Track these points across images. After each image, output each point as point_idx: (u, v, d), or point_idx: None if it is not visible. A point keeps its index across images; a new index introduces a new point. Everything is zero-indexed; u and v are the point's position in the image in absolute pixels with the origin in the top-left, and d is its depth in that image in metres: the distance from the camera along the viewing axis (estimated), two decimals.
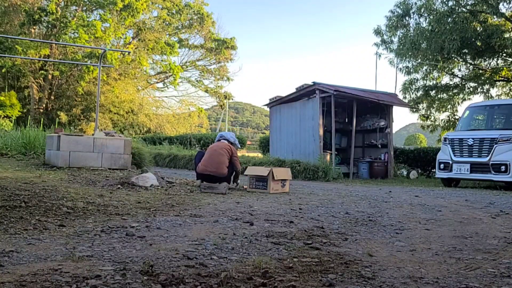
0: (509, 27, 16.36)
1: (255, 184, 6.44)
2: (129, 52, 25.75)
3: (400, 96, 17.05)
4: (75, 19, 25.38)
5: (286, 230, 3.35)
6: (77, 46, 24.01)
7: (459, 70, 18.90)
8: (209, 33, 31.79)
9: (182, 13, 30.90)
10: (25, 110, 25.26)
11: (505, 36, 15.70)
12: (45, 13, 24.03)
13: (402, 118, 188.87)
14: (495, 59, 17.72)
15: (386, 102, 12.80)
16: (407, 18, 17.38)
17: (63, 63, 24.24)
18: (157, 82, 33.98)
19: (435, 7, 16.31)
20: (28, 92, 26.49)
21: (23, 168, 6.95)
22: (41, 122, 17.65)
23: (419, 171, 13.98)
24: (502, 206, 5.51)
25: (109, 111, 27.45)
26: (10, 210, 3.55)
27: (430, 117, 19.19)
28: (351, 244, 2.97)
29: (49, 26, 24.92)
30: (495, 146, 8.92)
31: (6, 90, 24.66)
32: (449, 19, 15.53)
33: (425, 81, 18.78)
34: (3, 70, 23.87)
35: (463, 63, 18.34)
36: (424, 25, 16.75)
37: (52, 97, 27.16)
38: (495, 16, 16.23)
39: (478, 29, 15.96)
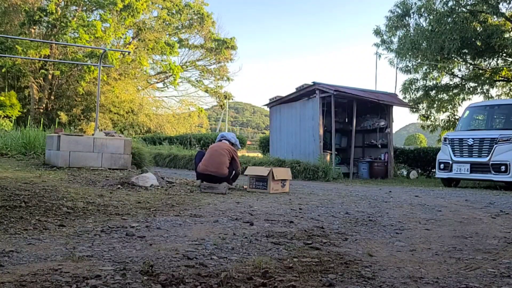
0: (509, 27, 16.36)
1: (255, 184, 6.44)
2: (129, 52, 25.76)
3: (400, 96, 17.05)
4: (75, 19, 25.39)
5: (286, 230, 3.35)
6: (77, 46, 24.02)
7: (459, 70, 18.92)
8: (209, 33, 31.79)
9: (182, 13, 30.91)
10: (25, 110, 25.26)
11: (505, 36, 15.70)
12: (45, 13, 24.03)
13: (402, 118, 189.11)
14: (495, 59, 17.72)
15: (386, 102, 12.81)
16: (407, 18, 17.38)
17: (63, 63, 24.25)
18: (157, 82, 34.01)
19: (435, 7, 16.31)
20: (28, 92, 26.49)
21: (23, 168, 6.95)
22: (41, 122, 17.65)
23: (419, 171, 13.98)
24: (502, 206, 5.51)
25: (109, 111, 27.46)
26: (10, 210, 3.55)
27: (430, 117, 19.19)
28: (351, 244, 2.97)
29: (49, 26, 24.92)
30: (495, 146, 8.92)
31: (6, 90, 24.67)
32: (449, 19, 15.52)
33: (425, 81, 18.79)
34: (3, 70, 23.88)
35: (463, 63, 18.34)
36: (424, 25, 16.75)
37: (52, 97, 27.17)
38: (495, 16, 16.23)
39: (478, 29, 15.96)
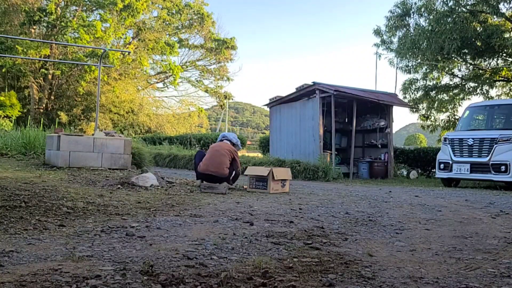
0: (509, 27, 16.35)
1: (255, 184, 6.44)
2: (129, 52, 25.76)
3: (400, 96, 17.05)
4: (75, 19, 25.39)
5: (286, 230, 3.35)
6: (77, 46, 24.03)
7: (459, 70, 18.91)
8: (209, 33, 31.79)
9: (182, 13, 30.91)
10: (25, 110, 25.26)
11: (505, 36, 15.69)
12: (44, 14, 24.03)
13: (402, 118, 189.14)
14: (495, 59, 17.71)
15: (386, 102, 12.81)
16: (407, 18, 17.38)
17: (63, 63, 24.26)
18: (157, 82, 34.01)
19: (435, 7, 16.30)
20: (28, 92, 26.49)
21: (23, 168, 6.95)
22: (41, 122, 17.65)
23: (419, 171, 13.98)
24: (502, 206, 5.51)
25: (109, 111, 27.47)
26: (10, 210, 3.55)
27: (430, 117, 19.18)
28: (351, 244, 2.97)
29: (49, 26, 24.92)
30: (495, 146, 8.92)
31: (6, 90, 24.67)
32: (449, 19, 15.52)
33: (425, 81, 18.78)
34: (3, 70, 23.88)
35: (463, 63, 18.33)
36: (424, 25, 16.75)
37: (52, 97, 27.17)
38: (495, 16, 16.22)
39: (478, 29, 15.95)
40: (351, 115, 12.66)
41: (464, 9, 16.07)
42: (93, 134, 8.11)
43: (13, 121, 20.42)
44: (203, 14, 31.25)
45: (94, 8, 27.14)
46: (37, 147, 8.82)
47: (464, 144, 9.43)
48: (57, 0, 25.05)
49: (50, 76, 26.20)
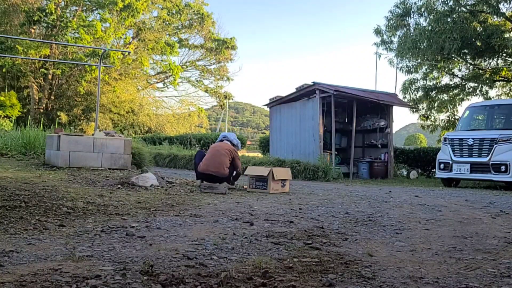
0: (509, 27, 16.35)
1: (255, 184, 6.44)
2: (129, 52, 25.77)
3: (400, 96, 17.05)
4: (75, 19, 25.39)
5: (286, 230, 3.35)
6: (77, 46, 24.03)
7: (459, 70, 18.91)
8: (209, 33, 31.79)
9: (182, 13, 30.91)
10: (25, 110, 25.27)
11: (505, 36, 15.69)
12: (44, 14, 24.03)
13: (402, 118, 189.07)
14: (495, 59, 17.71)
15: (386, 102, 12.80)
16: (407, 18, 17.37)
17: (63, 63, 24.26)
18: (157, 82, 34.02)
19: (435, 7, 16.30)
20: (28, 92, 26.50)
21: (23, 168, 6.95)
22: (41, 122, 17.65)
23: (419, 171, 13.97)
24: (502, 206, 5.51)
25: (110, 111, 27.48)
26: (10, 210, 3.55)
27: (430, 117, 19.18)
28: (351, 244, 2.97)
29: (49, 26, 24.92)
30: (495, 146, 8.92)
31: (6, 90, 24.67)
32: (449, 19, 15.52)
33: (425, 81, 18.78)
34: (3, 70, 23.88)
35: (463, 63, 18.33)
36: (424, 25, 16.74)
37: (52, 97, 27.17)
38: (495, 16, 16.21)
39: (478, 29, 15.95)
40: (351, 115, 12.66)
41: (464, 9, 16.07)
42: (93, 134, 8.11)
43: (13, 121, 20.42)
44: (203, 14, 31.25)
45: (94, 8, 27.14)
46: (37, 147, 8.83)
47: (464, 144, 9.43)
48: (57, 0, 25.05)
49: (50, 76, 26.20)
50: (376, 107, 13.15)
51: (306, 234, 3.25)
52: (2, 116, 21.55)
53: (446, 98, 18.71)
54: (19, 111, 23.98)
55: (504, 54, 16.98)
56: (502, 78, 18.33)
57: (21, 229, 2.96)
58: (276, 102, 13.73)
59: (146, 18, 29.58)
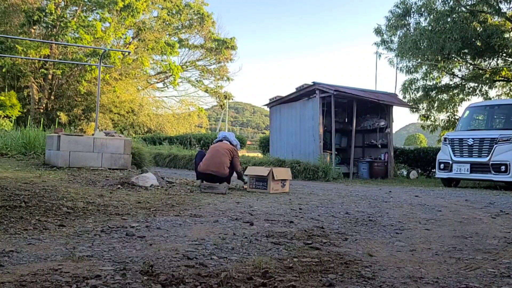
0: (509, 27, 16.34)
1: (255, 184, 6.44)
2: (129, 52, 25.76)
3: (400, 96, 17.05)
4: (75, 19, 25.39)
5: (286, 230, 3.35)
6: (77, 46, 24.02)
7: (459, 70, 18.90)
8: (209, 33, 31.80)
9: (182, 13, 30.91)
10: (25, 110, 25.26)
11: (505, 36, 15.69)
12: (44, 14, 24.03)
13: (402, 118, 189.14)
14: (495, 59, 17.70)
15: (386, 102, 12.80)
16: (407, 18, 17.37)
17: (63, 63, 24.25)
18: (157, 82, 34.02)
19: (435, 7, 16.30)
20: (28, 92, 26.49)
21: (23, 168, 6.95)
22: (41, 122, 17.65)
23: (419, 171, 13.97)
24: (502, 206, 5.51)
25: (110, 111, 27.48)
26: (10, 210, 3.55)
27: (430, 117, 19.17)
28: (351, 244, 2.97)
29: (49, 26, 24.92)
30: (495, 146, 8.92)
31: (6, 90, 24.66)
32: (449, 18, 15.51)
33: (425, 81, 18.77)
34: (3, 70, 23.87)
35: (463, 63, 18.33)
36: (425, 25, 16.74)
37: (52, 97, 27.17)
38: (495, 16, 16.21)
39: (478, 29, 15.94)
40: (351, 115, 12.66)
41: (464, 9, 16.06)
42: (93, 134, 8.11)
43: (13, 121, 20.42)
44: (203, 14, 31.25)
45: (94, 8, 27.14)
46: (37, 147, 8.82)
47: (464, 144, 9.43)
48: (57, 0, 25.04)
49: (50, 76, 26.19)
50: (376, 107, 13.15)
51: (306, 234, 3.25)
52: (2, 116, 21.55)
53: (446, 98, 18.69)
54: (19, 111, 23.98)
55: (504, 54, 16.98)
56: (502, 78, 18.32)
57: (21, 229, 2.96)
58: (276, 102, 13.73)
59: (146, 18, 29.60)
